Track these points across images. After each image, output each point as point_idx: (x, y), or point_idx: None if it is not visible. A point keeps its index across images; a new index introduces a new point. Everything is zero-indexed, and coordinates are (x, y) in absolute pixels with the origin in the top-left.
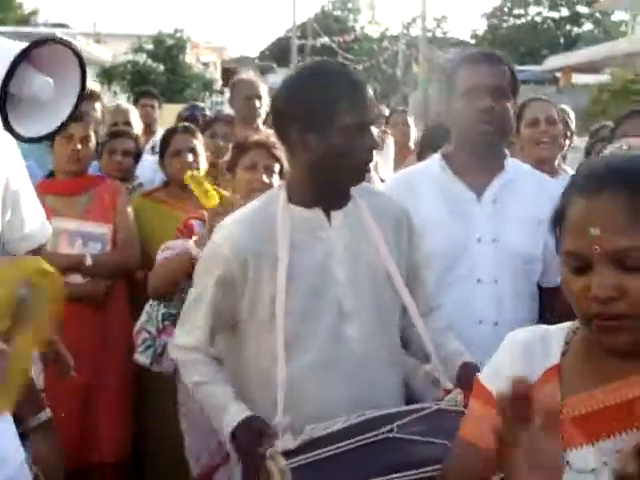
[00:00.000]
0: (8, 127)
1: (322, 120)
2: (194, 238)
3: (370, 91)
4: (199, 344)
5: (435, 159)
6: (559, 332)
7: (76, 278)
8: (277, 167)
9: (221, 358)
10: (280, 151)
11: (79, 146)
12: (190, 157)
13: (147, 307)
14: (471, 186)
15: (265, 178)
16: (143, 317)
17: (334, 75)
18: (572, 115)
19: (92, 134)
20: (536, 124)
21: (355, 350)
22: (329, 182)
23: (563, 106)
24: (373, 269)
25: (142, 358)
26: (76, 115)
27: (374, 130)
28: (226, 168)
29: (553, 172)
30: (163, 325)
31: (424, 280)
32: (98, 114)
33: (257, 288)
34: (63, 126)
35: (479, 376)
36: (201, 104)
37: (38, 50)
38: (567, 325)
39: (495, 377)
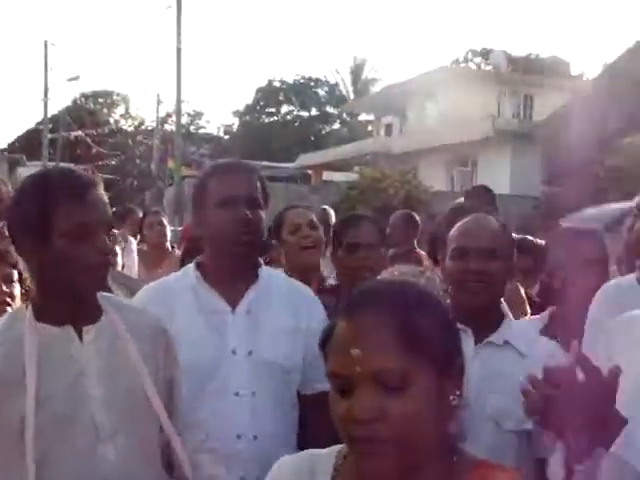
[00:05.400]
0: None
1: (43, 228)
2: None
3: (98, 194)
4: None
5: (190, 269)
6: (328, 457)
7: None
8: (16, 274)
9: None
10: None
11: None
12: None
13: None
14: (226, 297)
15: (5, 288)
16: None
17: (52, 181)
18: (333, 215)
19: None
20: (298, 229)
21: (112, 473)
22: (65, 292)
23: (325, 207)
24: (129, 387)
25: None
26: None
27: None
28: None
29: (317, 277)
30: None
31: (180, 395)
32: None
33: (5, 411)
34: None
35: None
36: None
37: None
38: (336, 449)
39: None
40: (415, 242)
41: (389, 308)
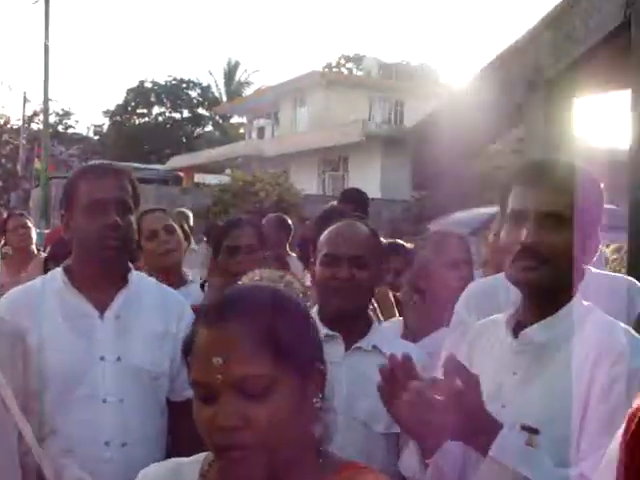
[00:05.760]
0: None
1: None
2: None
3: None
4: None
5: (57, 273)
6: (193, 464)
7: None
8: None
9: None
10: None
11: None
12: None
13: None
14: (94, 302)
15: None
16: None
17: None
18: (191, 217)
19: None
20: (156, 235)
21: None
22: None
23: (182, 209)
24: None
25: None
26: None
27: None
28: None
29: (181, 280)
30: None
31: (41, 403)
32: None
33: None
34: None
35: None
36: None
37: None
38: (202, 456)
39: None
40: (287, 246)
41: (250, 315)
